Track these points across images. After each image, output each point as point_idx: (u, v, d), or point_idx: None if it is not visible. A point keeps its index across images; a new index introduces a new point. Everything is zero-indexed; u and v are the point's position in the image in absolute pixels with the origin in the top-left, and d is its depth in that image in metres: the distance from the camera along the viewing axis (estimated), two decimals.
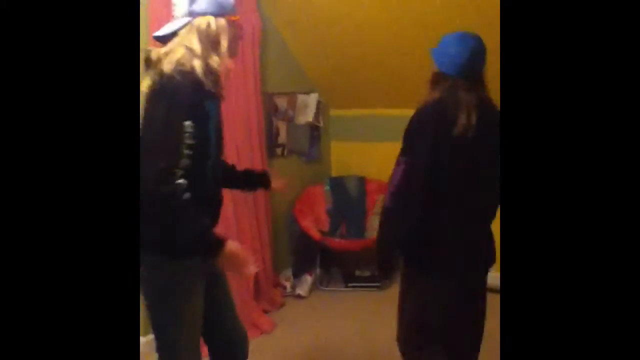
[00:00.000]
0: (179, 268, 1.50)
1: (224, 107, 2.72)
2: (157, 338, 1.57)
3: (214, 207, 1.61)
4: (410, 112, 1.77)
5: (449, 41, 1.75)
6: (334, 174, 4.08)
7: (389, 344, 1.92)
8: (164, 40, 1.48)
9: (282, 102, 3.50)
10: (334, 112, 4.06)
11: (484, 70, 1.75)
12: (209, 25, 1.44)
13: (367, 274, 3.62)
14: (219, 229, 2.77)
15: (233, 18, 1.50)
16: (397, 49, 3.18)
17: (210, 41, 1.45)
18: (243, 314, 2.88)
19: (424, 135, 1.70)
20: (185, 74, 1.38)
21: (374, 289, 3.50)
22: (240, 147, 2.96)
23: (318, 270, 3.66)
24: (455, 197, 1.74)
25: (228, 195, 2.87)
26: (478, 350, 1.89)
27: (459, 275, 1.81)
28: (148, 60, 1.45)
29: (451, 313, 1.83)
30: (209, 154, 1.49)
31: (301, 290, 3.44)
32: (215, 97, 1.50)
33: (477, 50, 1.70)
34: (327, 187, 3.88)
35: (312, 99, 3.70)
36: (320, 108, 3.78)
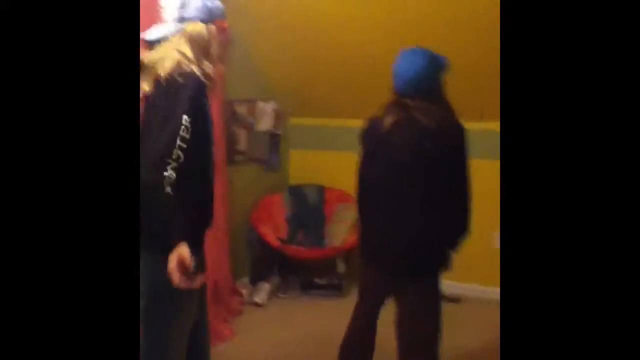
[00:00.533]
0: None
1: None
2: (149, 339, 1.51)
3: (211, 205, 1.59)
4: None
5: (398, 58, 1.82)
6: (292, 182, 4.09)
7: None
8: (151, 43, 1.47)
9: (242, 109, 3.50)
10: (293, 121, 4.09)
11: (434, 85, 1.81)
12: (199, 32, 1.46)
13: (325, 281, 3.64)
14: None
15: (223, 24, 1.52)
16: (364, 60, 3.24)
17: (201, 48, 1.46)
18: None
19: (361, 146, 1.97)
20: (186, 76, 1.40)
21: (332, 296, 3.52)
22: None
23: (276, 278, 3.65)
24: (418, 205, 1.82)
25: None
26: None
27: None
28: (140, 65, 1.44)
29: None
30: (210, 153, 1.50)
31: (259, 298, 3.42)
32: (209, 99, 1.51)
33: (418, 69, 1.74)
34: (286, 195, 3.89)
35: (270, 106, 3.72)
36: (278, 116, 3.80)
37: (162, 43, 1.46)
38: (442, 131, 1.75)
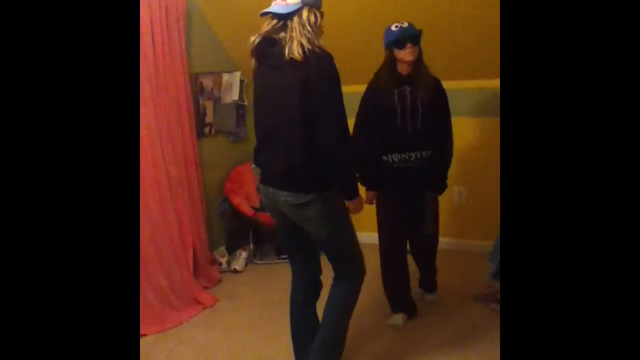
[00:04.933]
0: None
1: (156, 90, 2.74)
2: (354, 256, 2.05)
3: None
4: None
5: (387, 30, 2.48)
6: None
7: (322, 305, 2.12)
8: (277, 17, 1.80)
9: (207, 82, 3.52)
10: None
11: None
12: (318, 15, 1.81)
13: None
14: (156, 210, 2.78)
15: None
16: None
17: (319, 27, 1.83)
18: (184, 290, 2.95)
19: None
20: (328, 53, 1.78)
21: None
22: (171, 128, 2.97)
23: (251, 245, 3.77)
24: None
25: (164, 175, 2.89)
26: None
27: None
28: (271, 40, 1.82)
29: None
30: None
31: (237, 265, 3.54)
32: None
33: (388, 34, 2.48)
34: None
35: (236, 77, 3.74)
36: (243, 87, 3.83)
37: (290, 20, 1.77)
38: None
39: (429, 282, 2.96)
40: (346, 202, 1.94)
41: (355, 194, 1.93)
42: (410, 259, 2.77)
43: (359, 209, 1.98)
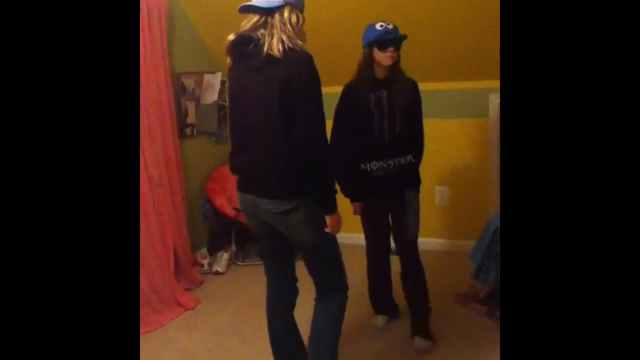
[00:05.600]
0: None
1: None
2: (336, 268, 1.97)
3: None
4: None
5: (367, 28, 2.39)
6: None
7: (304, 308, 2.11)
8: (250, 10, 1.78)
9: (189, 82, 3.50)
10: None
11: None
12: (300, 17, 1.80)
13: None
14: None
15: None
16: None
17: (301, 28, 1.81)
18: (166, 293, 2.92)
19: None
20: (308, 53, 1.75)
21: None
22: (153, 129, 2.94)
23: (234, 247, 3.75)
24: None
25: (145, 175, 2.85)
26: None
27: None
28: (246, 38, 1.77)
29: None
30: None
31: (219, 267, 3.52)
32: None
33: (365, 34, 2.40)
34: None
35: (217, 78, 3.72)
36: (225, 87, 3.82)
37: (271, 16, 1.75)
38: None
39: (422, 326, 2.52)
40: (326, 217, 1.82)
41: (333, 207, 1.81)
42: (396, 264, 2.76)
43: (337, 226, 1.85)
